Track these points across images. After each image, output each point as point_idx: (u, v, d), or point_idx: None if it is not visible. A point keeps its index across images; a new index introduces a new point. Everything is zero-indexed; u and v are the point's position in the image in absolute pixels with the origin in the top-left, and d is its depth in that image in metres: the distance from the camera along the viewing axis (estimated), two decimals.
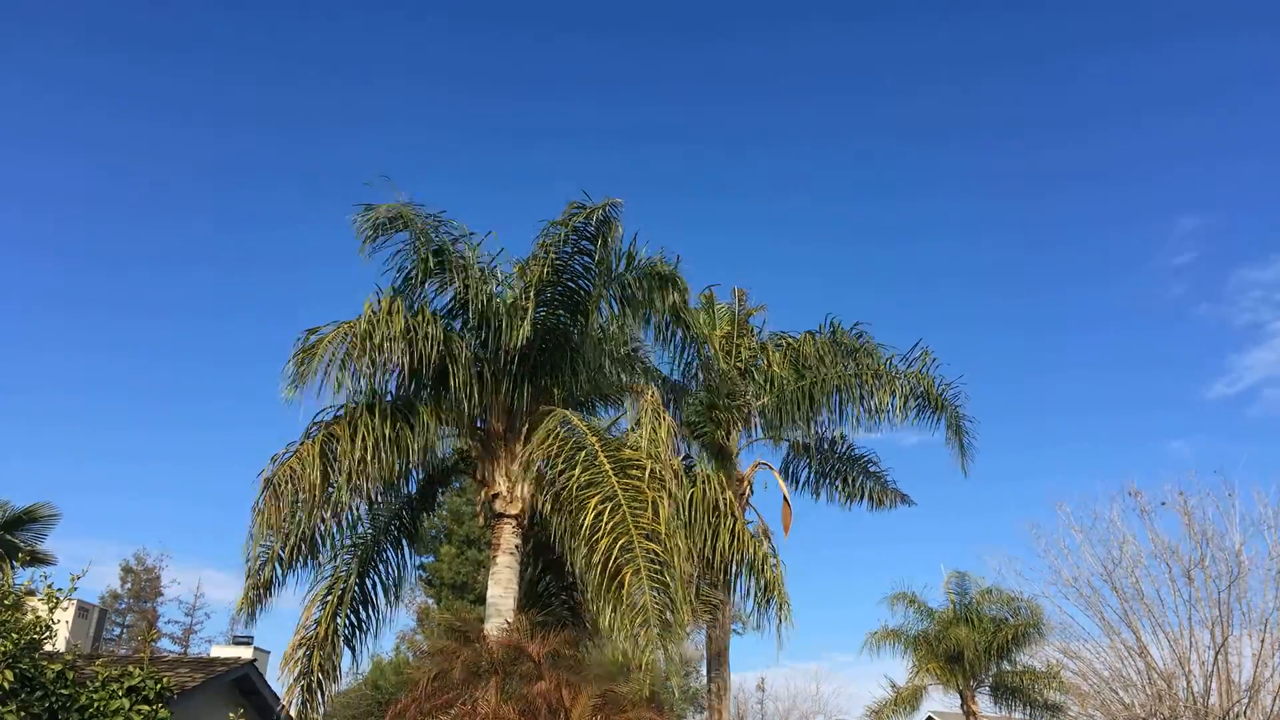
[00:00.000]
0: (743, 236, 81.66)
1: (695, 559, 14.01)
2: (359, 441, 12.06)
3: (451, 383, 12.58)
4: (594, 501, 11.48)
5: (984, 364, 77.53)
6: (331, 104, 79.22)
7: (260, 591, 13.16)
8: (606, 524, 11.23)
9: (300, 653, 13.37)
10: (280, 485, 11.86)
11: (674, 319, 16.61)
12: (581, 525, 11.42)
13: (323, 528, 13.30)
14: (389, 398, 12.94)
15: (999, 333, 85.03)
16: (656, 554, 10.99)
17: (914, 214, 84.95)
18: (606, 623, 10.90)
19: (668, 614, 10.76)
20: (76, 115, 74.84)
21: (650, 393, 13.25)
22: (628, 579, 10.79)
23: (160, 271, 79.94)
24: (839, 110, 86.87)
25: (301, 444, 12.28)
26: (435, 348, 12.24)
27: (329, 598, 13.73)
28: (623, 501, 11.39)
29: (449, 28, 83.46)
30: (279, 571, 13.27)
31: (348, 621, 13.94)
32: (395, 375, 12.77)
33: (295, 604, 13.84)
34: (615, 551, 11.00)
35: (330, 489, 12.12)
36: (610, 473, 11.72)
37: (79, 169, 77.29)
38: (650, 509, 11.32)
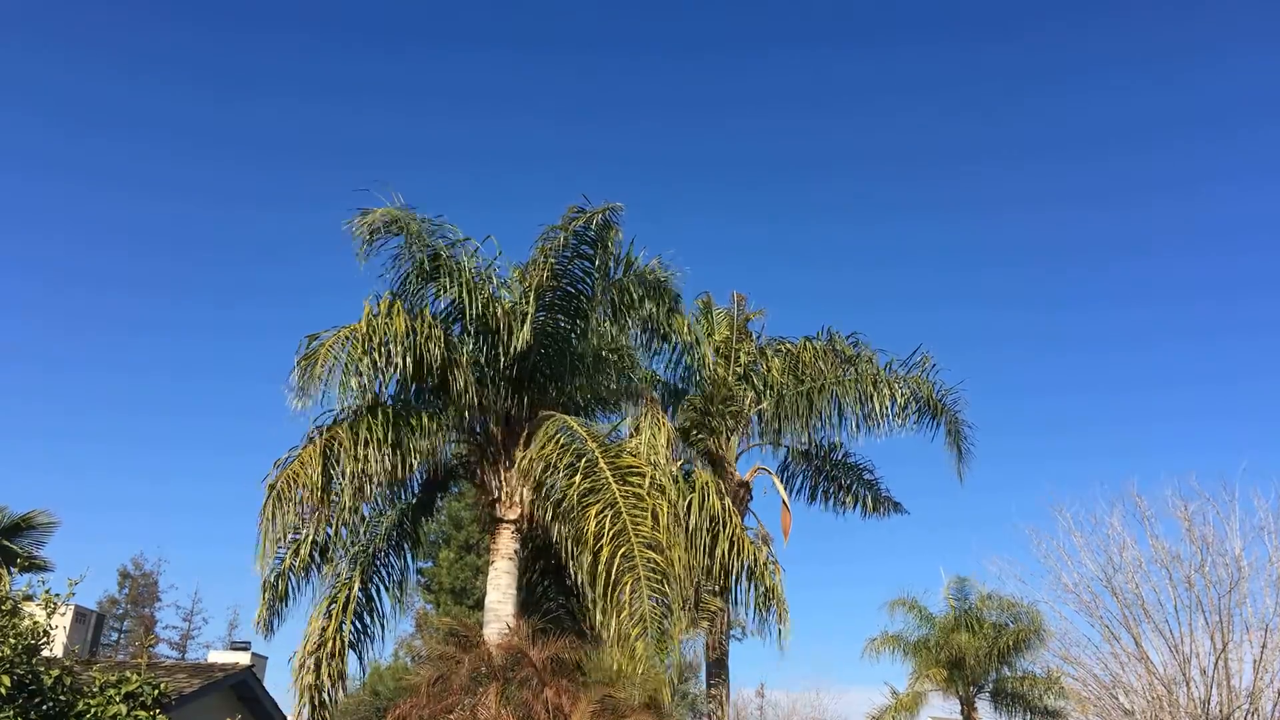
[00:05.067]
0: (744, 257, 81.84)
1: (695, 566, 13.96)
2: (361, 444, 11.91)
3: (453, 387, 12.46)
4: (595, 510, 11.43)
5: (984, 373, 77.41)
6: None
7: (279, 602, 13.28)
8: (608, 532, 11.19)
9: (309, 663, 13.26)
10: (285, 490, 11.73)
11: (669, 324, 16.56)
12: (584, 533, 11.36)
13: (331, 532, 13.24)
14: (389, 401, 12.81)
15: (999, 345, 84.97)
16: (657, 563, 10.97)
17: (914, 234, 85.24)
18: (609, 630, 10.87)
19: (666, 623, 10.73)
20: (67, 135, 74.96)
21: (651, 398, 13.21)
22: (628, 588, 10.76)
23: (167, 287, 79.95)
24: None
25: (304, 448, 12.13)
26: (438, 349, 12.14)
27: (333, 607, 13.63)
28: (623, 509, 11.35)
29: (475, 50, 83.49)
30: (293, 580, 13.34)
31: (353, 629, 13.84)
32: (396, 379, 12.63)
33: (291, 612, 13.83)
34: (617, 560, 10.97)
35: (335, 493, 12.00)
36: (611, 480, 11.67)
37: (73, 185, 77.40)
38: (650, 517, 11.27)
